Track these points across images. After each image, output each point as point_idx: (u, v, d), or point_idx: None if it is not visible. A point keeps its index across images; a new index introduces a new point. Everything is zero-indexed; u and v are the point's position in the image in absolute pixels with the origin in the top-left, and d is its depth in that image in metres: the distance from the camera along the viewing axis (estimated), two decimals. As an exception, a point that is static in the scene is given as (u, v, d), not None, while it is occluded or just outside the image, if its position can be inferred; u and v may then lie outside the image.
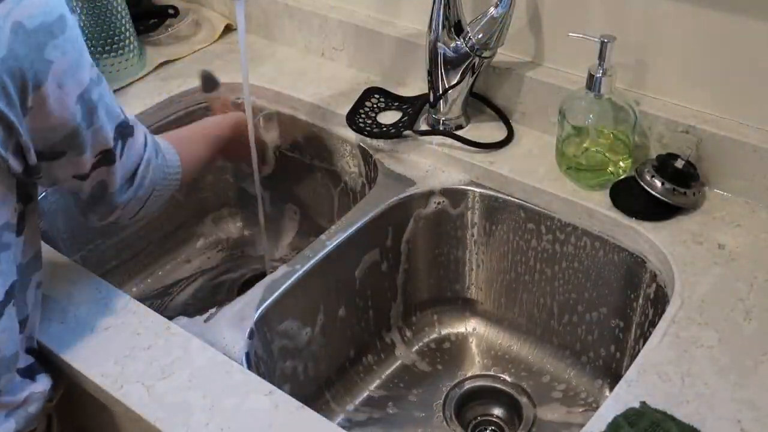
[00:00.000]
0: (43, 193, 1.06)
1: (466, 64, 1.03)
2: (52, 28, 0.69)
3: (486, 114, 1.11)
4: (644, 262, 0.92)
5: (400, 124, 1.10)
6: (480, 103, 1.11)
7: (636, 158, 0.98)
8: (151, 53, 1.31)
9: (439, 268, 1.11)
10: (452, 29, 1.01)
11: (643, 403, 0.72)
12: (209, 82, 1.19)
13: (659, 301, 0.89)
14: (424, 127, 1.10)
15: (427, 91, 1.09)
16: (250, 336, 0.86)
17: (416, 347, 1.12)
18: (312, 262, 0.94)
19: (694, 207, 0.94)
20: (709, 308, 0.82)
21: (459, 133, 1.07)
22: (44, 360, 0.83)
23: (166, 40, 1.35)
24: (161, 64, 1.28)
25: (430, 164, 1.07)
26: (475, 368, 1.09)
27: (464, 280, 1.12)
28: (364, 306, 1.06)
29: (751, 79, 0.92)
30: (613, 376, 1.01)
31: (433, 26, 1.02)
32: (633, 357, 0.87)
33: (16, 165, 0.71)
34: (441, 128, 1.09)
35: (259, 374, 0.80)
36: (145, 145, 0.84)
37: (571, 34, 0.95)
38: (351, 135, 1.12)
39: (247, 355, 0.84)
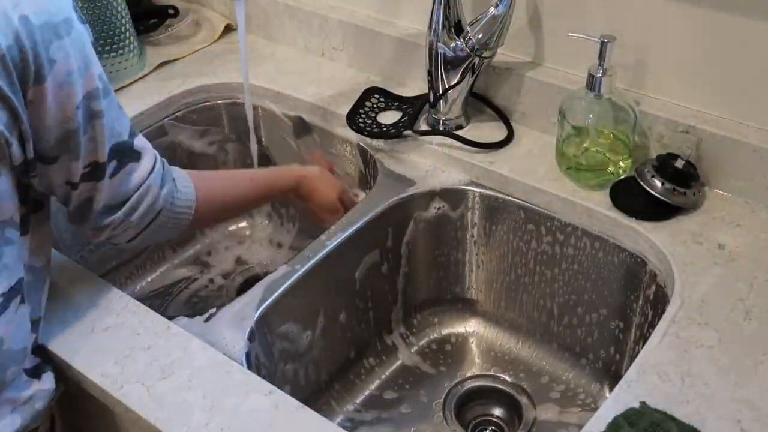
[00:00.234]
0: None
1: (466, 64, 1.03)
2: (58, 29, 0.70)
3: (486, 114, 1.11)
4: (644, 262, 0.92)
5: (400, 124, 1.10)
6: (480, 103, 1.11)
7: (636, 158, 0.98)
8: (151, 53, 1.31)
9: (439, 269, 1.11)
10: (452, 29, 1.01)
11: (643, 403, 0.72)
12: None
13: (659, 302, 0.89)
14: (424, 127, 1.10)
15: (427, 91, 1.09)
16: (251, 338, 0.85)
17: (416, 348, 1.12)
18: (312, 262, 0.94)
19: (694, 207, 0.94)
20: (709, 308, 0.82)
21: (459, 133, 1.07)
22: (45, 359, 0.83)
23: (166, 40, 1.35)
24: (161, 64, 1.28)
25: (430, 164, 1.07)
26: (475, 368, 1.09)
27: (464, 281, 1.12)
28: (364, 307, 1.06)
29: (751, 79, 0.92)
30: (612, 377, 1.01)
31: (433, 26, 1.02)
32: (632, 358, 0.87)
33: (17, 153, 0.71)
34: (441, 128, 1.09)
35: (260, 376, 0.80)
36: (150, 172, 0.81)
37: (571, 34, 0.95)
38: (351, 135, 1.12)
39: (247, 355, 0.84)
